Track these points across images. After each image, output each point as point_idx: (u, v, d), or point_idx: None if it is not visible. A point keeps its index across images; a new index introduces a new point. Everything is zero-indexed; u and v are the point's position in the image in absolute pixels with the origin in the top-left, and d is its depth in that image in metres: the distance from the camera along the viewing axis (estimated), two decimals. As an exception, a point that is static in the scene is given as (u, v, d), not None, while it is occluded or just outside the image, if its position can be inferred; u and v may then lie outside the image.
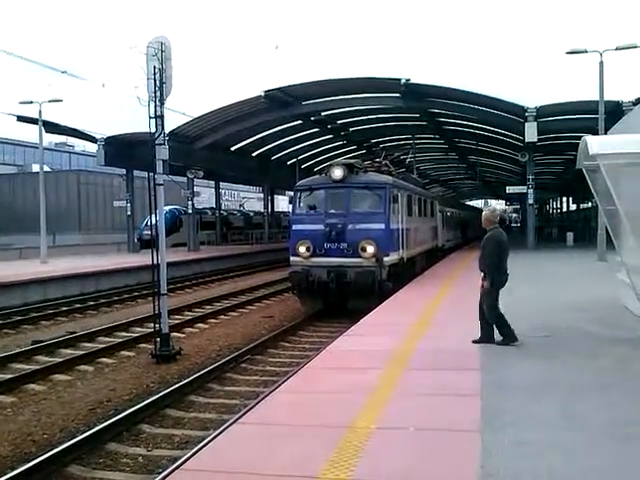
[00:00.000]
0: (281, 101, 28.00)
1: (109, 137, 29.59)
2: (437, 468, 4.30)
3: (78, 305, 17.30)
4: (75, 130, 31.16)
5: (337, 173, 14.59)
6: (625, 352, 7.61)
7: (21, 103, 24.94)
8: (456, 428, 5.12)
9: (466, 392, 6.05)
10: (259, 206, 55.83)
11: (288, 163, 39.97)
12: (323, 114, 31.74)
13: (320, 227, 14.38)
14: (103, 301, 18.21)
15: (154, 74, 10.57)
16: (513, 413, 5.41)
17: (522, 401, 5.75)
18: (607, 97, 22.32)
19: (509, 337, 8.11)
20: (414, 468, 4.31)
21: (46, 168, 33.43)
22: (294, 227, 15.24)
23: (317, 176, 16.94)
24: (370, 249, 13.93)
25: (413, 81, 25.23)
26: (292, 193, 17.54)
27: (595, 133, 18.89)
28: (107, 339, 12.58)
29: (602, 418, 5.24)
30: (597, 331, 8.83)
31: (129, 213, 32.70)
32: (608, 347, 7.83)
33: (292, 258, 14.76)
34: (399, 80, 25.15)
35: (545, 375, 6.68)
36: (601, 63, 22.10)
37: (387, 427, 5.18)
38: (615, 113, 20.85)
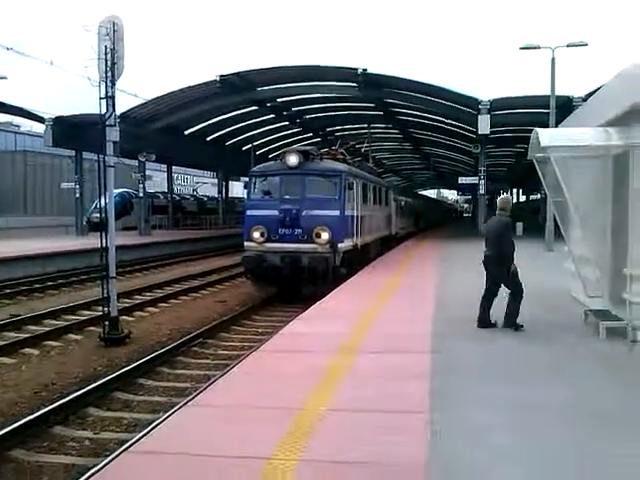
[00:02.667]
0: (237, 86, 27.69)
1: (57, 117, 28.71)
2: (387, 449, 4.34)
3: (23, 288, 16.75)
4: (21, 109, 30.06)
5: (292, 159, 14.54)
6: (571, 338, 7.85)
7: (-38, 80, 23.88)
8: (406, 410, 5.18)
9: (416, 374, 6.13)
10: (213, 191, 55.15)
11: (243, 149, 39.63)
12: (279, 100, 31.57)
13: (274, 213, 14.33)
14: (50, 284, 17.70)
15: (105, 54, 10.27)
16: (462, 395, 5.51)
17: (471, 384, 5.87)
18: (558, 92, 22.91)
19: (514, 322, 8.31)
20: (364, 449, 4.33)
21: (-10, 147, 32.19)
22: (248, 212, 15.12)
23: (272, 162, 16.85)
24: (324, 235, 13.97)
25: (370, 71, 25.35)
26: (247, 179, 17.39)
27: (546, 127, 19.32)
28: (54, 322, 12.22)
29: (546, 401, 5.39)
30: (545, 317, 9.08)
31: (78, 195, 31.85)
32: (554, 333, 8.07)
33: (246, 243, 14.68)
34: (356, 69, 25.24)
35: (494, 359, 6.84)
36: (553, 59, 22.68)
37: (338, 409, 5.20)
38: (566, 108, 21.40)
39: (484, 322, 8.43)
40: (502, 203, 8.85)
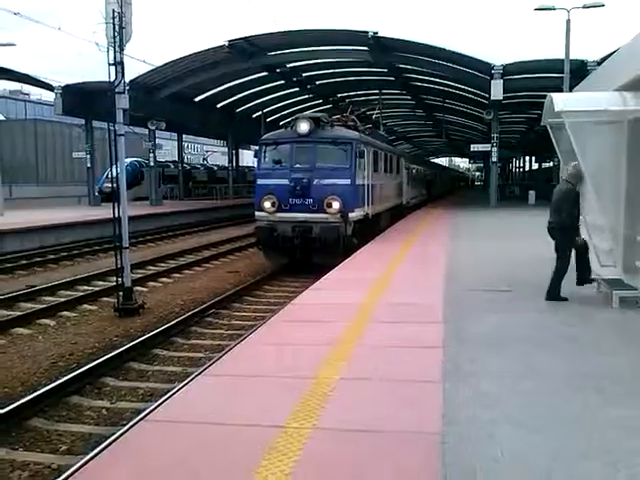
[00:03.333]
0: (246, 51, 27.37)
1: (67, 85, 28.54)
2: (400, 417, 4.38)
3: (38, 259, 16.93)
4: (30, 77, 29.94)
5: (303, 127, 14.41)
6: (584, 307, 7.83)
7: (-31, 47, 23.73)
8: (419, 379, 5.21)
9: (429, 344, 6.17)
10: (223, 160, 55.05)
11: (253, 116, 39.33)
12: (289, 66, 31.19)
13: (285, 182, 14.26)
14: (64, 254, 17.86)
15: (113, 18, 10.16)
16: (474, 364, 5.53)
17: (483, 353, 5.89)
18: (573, 56, 22.49)
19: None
20: (377, 417, 4.38)
21: (0, 117, 32.13)
22: (259, 182, 15.08)
23: (283, 130, 16.72)
24: (335, 205, 13.92)
25: (381, 34, 24.92)
26: (257, 147, 17.31)
27: (560, 92, 19.01)
28: (68, 292, 12.37)
29: (560, 369, 5.40)
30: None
31: (89, 165, 31.88)
32: (568, 302, 8.04)
33: (257, 213, 14.66)
34: (367, 33, 24.81)
35: (506, 328, 6.84)
36: (568, 21, 22.23)
37: (351, 378, 5.25)
38: (580, 72, 21.05)
39: (581, 282, 8.36)
40: (570, 170, 8.28)
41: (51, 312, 10.56)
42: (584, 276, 8.40)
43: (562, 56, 22.40)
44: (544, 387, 4.98)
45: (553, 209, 8.25)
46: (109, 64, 10.28)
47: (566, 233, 8.12)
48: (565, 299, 8.07)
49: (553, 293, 8.12)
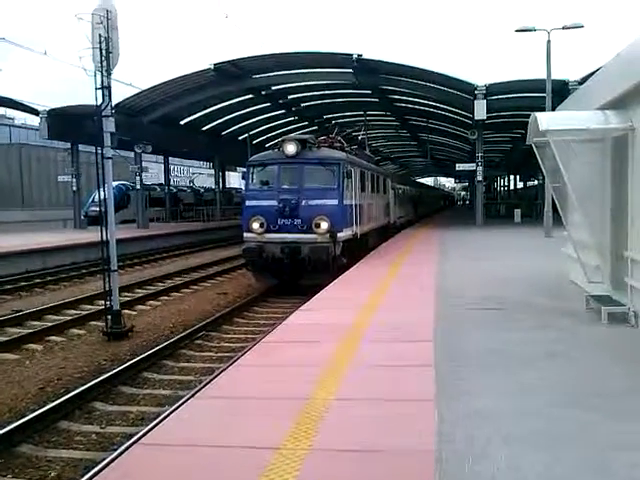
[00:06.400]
0: (231, 74, 27.53)
1: (52, 109, 28.49)
2: (395, 436, 4.36)
3: (24, 283, 16.75)
4: (15, 101, 29.89)
5: (290, 148, 14.50)
6: (572, 323, 7.87)
7: (-45, 72, 23.64)
8: (411, 398, 5.20)
9: (420, 363, 6.16)
10: (210, 182, 55.03)
11: (239, 138, 39.45)
12: (274, 88, 31.40)
13: (273, 203, 14.29)
14: (50, 279, 17.69)
15: (100, 43, 10.21)
16: (466, 382, 5.54)
17: (474, 371, 5.89)
18: (554, 76, 22.85)
19: None
20: (372, 436, 4.36)
21: (-15, 142, 32.02)
22: (247, 203, 15.09)
23: (270, 151, 16.79)
24: (324, 225, 13.96)
25: (365, 57, 25.21)
26: (244, 169, 17.37)
27: (542, 111, 19.30)
28: (56, 317, 12.22)
29: (551, 386, 5.42)
30: (545, 303, 9.10)
31: (75, 188, 31.73)
32: (556, 319, 8.09)
33: (246, 234, 14.65)
34: (351, 55, 25.08)
35: (496, 345, 6.85)
36: (548, 42, 22.62)
37: (344, 398, 5.22)
38: (562, 91, 21.40)
39: None
40: None
41: (39, 337, 10.43)
42: None
43: (544, 76, 22.76)
44: (536, 404, 4.98)
45: None
46: (96, 88, 10.30)
47: None
48: None
49: None
